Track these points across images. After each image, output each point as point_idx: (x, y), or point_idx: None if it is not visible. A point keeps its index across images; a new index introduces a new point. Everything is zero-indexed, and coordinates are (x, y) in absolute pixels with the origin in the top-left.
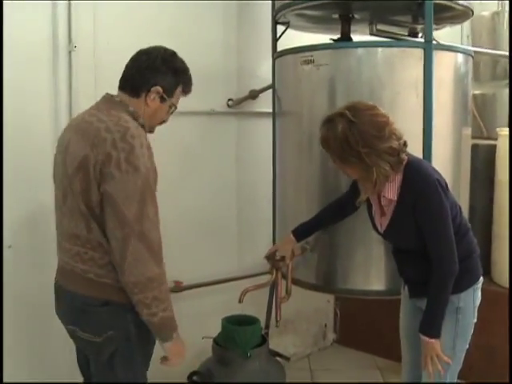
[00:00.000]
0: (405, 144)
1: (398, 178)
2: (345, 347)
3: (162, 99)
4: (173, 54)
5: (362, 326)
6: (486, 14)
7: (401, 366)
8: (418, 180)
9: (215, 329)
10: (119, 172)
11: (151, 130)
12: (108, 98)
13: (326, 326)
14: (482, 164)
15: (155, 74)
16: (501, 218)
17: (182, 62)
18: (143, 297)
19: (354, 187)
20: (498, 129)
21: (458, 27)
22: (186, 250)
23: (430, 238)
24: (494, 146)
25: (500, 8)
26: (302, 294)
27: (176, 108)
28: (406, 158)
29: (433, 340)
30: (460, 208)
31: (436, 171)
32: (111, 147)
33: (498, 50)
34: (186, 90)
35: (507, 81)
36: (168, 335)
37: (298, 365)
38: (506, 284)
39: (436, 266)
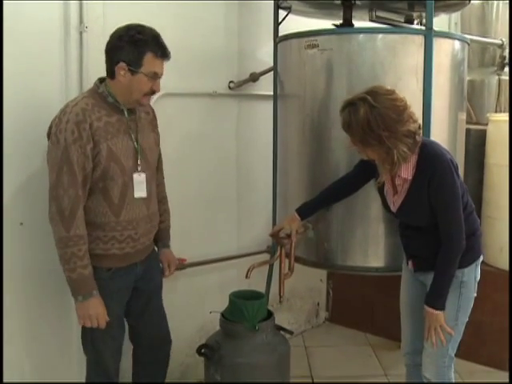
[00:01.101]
0: (419, 127)
1: (413, 158)
2: (336, 325)
3: (132, 72)
4: (130, 27)
5: (354, 305)
6: (475, 2)
7: (391, 342)
8: (433, 160)
9: (216, 304)
10: (50, 143)
11: (141, 103)
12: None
13: (318, 304)
14: (473, 147)
15: (115, 51)
16: (490, 200)
17: (141, 32)
18: (58, 252)
19: (359, 167)
20: (488, 114)
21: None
22: (188, 229)
23: (442, 215)
24: (484, 131)
25: None
26: (296, 272)
27: (158, 75)
28: (420, 139)
29: (438, 312)
30: (466, 188)
31: (448, 152)
32: (53, 122)
33: (487, 37)
34: (160, 54)
35: (495, 68)
36: (73, 294)
37: (293, 342)
38: (495, 263)
39: (445, 241)
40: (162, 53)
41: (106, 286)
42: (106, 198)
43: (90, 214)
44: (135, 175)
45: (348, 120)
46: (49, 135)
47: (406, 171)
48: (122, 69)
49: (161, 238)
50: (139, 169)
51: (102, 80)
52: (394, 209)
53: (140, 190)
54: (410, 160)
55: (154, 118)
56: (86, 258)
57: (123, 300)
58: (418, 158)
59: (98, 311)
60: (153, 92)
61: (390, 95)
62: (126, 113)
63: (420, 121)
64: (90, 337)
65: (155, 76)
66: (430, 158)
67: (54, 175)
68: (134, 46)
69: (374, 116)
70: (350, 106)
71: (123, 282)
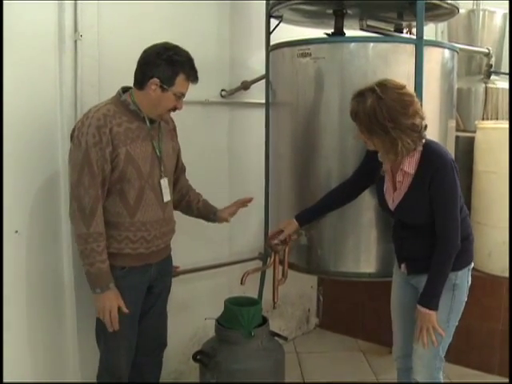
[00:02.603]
0: (425, 126)
1: (417, 154)
2: (327, 331)
3: (163, 89)
4: (168, 47)
5: (344, 311)
6: (462, 11)
7: (382, 348)
8: (436, 158)
9: (208, 311)
10: (72, 145)
11: (162, 117)
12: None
13: (309, 310)
14: (461, 154)
15: (151, 67)
16: (479, 206)
17: (178, 53)
18: (78, 248)
19: (358, 174)
20: (476, 122)
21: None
22: (180, 236)
23: (440, 213)
24: (472, 138)
25: (475, 6)
26: (286, 279)
27: (183, 95)
28: (425, 136)
29: (431, 312)
30: (461, 193)
31: (450, 153)
32: (76, 126)
33: (474, 46)
34: (191, 78)
35: (482, 76)
36: (91, 287)
37: (285, 348)
38: (483, 268)
39: (441, 242)
40: (194, 77)
41: (119, 284)
42: (122, 199)
43: (107, 213)
44: (161, 181)
45: (356, 109)
46: (72, 137)
47: (409, 165)
48: (154, 84)
49: (208, 212)
50: (162, 175)
51: (124, 89)
52: (392, 206)
53: (166, 194)
54: (414, 155)
55: (174, 128)
56: (105, 253)
57: (137, 299)
58: (422, 155)
59: (112, 303)
60: (175, 109)
61: (398, 89)
62: (147, 120)
63: None
64: (102, 335)
65: (182, 96)
66: (434, 156)
67: (76, 176)
68: (171, 66)
69: (380, 107)
70: (359, 96)
71: (136, 281)
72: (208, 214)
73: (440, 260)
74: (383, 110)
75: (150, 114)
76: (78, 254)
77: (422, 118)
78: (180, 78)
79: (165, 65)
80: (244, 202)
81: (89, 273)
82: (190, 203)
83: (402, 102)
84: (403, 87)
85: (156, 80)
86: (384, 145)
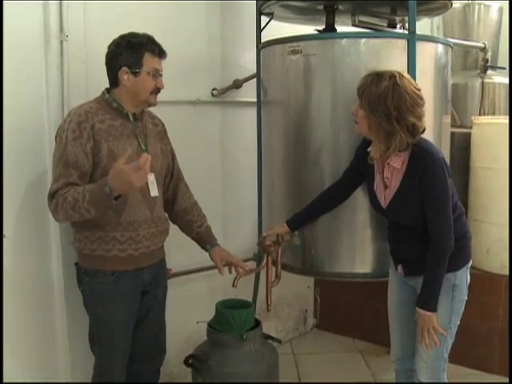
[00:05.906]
0: (423, 130)
1: (407, 151)
2: (325, 331)
3: (134, 73)
4: (123, 35)
5: (342, 311)
6: (457, 5)
7: (380, 348)
8: (426, 156)
9: (202, 314)
10: (55, 144)
11: (150, 103)
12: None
13: (306, 311)
14: (457, 151)
15: (115, 59)
16: (476, 203)
17: (135, 36)
18: (71, 217)
19: (347, 175)
20: (472, 117)
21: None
22: (173, 237)
23: (431, 213)
24: (468, 134)
25: (471, 0)
26: (283, 279)
27: (159, 72)
28: (417, 139)
29: (430, 313)
30: (455, 191)
31: (441, 151)
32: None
33: (469, 40)
34: (156, 52)
35: (478, 71)
36: (106, 207)
37: (282, 349)
38: (481, 266)
39: (434, 241)
40: (159, 50)
41: (110, 289)
42: None
43: None
44: (148, 175)
45: (368, 85)
46: (55, 138)
47: (397, 160)
48: (124, 73)
49: (206, 240)
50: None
51: (108, 90)
52: (384, 204)
53: (153, 189)
54: (404, 152)
55: (163, 130)
56: (81, 189)
57: (130, 306)
58: (412, 152)
59: (127, 174)
60: (158, 90)
61: (415, 87)
62: (131, 117)
63: None
64: (96, 341)
65: (157, 73)
66: (424, 153)
67: (58, 171)
68: (132, 50)
69: (393, 92)
70: (376, 75)
71: (128, 286)
72: (205, 243)
73: (434, 260)
74: (394, 97)
75: (136, 105)
76: (78, 217)
77: (423, 123)
78: (146, 57)
79: (127, 51)
80: (239, 266)
81: (91, 206)
82: (191, 223)
83: (414, 99)
84: (419, 89)
85: (124, 68)
86: (379, 131)
